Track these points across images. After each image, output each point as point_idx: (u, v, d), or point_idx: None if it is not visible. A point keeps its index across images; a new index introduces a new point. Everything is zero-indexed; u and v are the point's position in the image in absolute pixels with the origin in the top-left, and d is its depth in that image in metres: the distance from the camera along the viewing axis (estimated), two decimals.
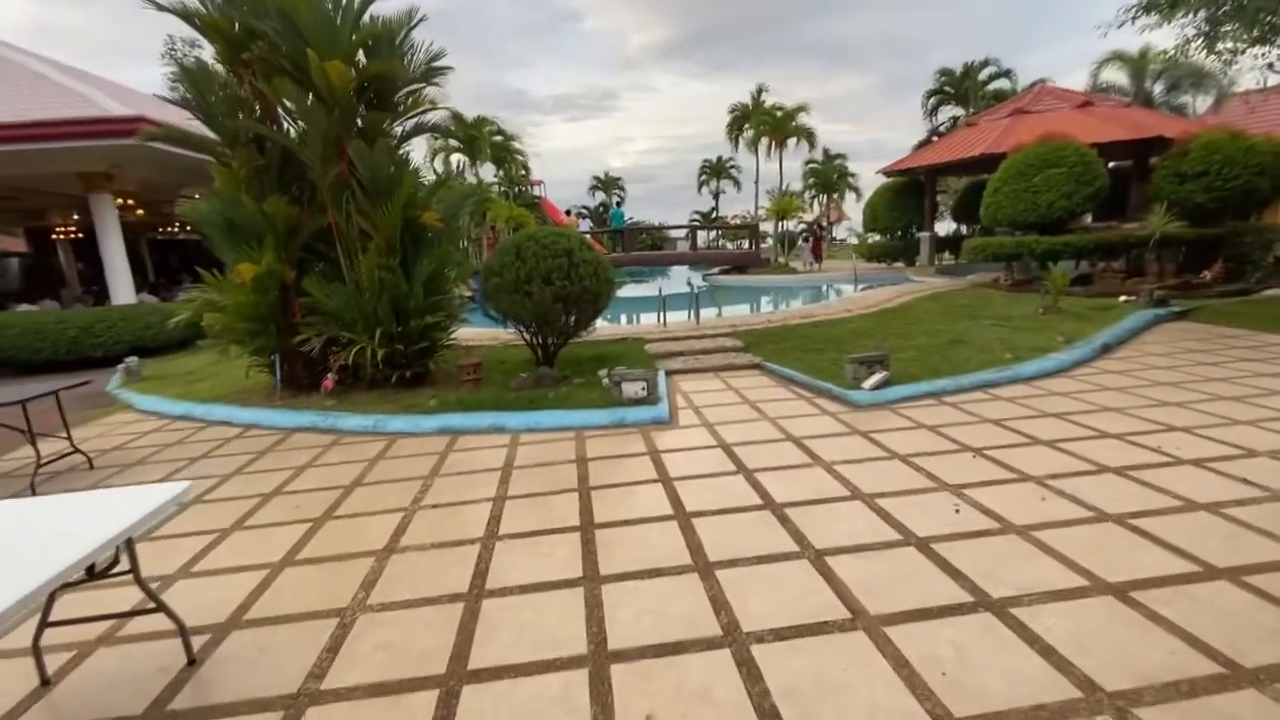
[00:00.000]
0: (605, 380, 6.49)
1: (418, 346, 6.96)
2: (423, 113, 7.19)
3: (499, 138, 21.42)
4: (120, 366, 9.67)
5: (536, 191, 37.97)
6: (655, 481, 4.39)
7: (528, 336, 7.21)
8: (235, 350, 7.32)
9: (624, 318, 16.65)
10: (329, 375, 7.14)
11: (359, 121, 6.55)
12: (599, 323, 10.08)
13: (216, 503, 4.62)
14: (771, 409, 6.11)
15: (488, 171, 27.16)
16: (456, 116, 19.84)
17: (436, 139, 20.16)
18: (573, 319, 7.00)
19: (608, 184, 46.93)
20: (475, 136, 20.23)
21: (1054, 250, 11.86)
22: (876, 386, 6.26)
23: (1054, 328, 8.76)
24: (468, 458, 5.26)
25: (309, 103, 6.17)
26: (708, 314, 14.42)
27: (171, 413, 7.58)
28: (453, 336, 7.90)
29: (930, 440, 4.98)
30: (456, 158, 21.37)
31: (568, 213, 26.88)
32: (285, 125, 6.86)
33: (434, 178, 10.17)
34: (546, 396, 6.54)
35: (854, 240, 44.64)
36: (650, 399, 6.16)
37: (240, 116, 6.59)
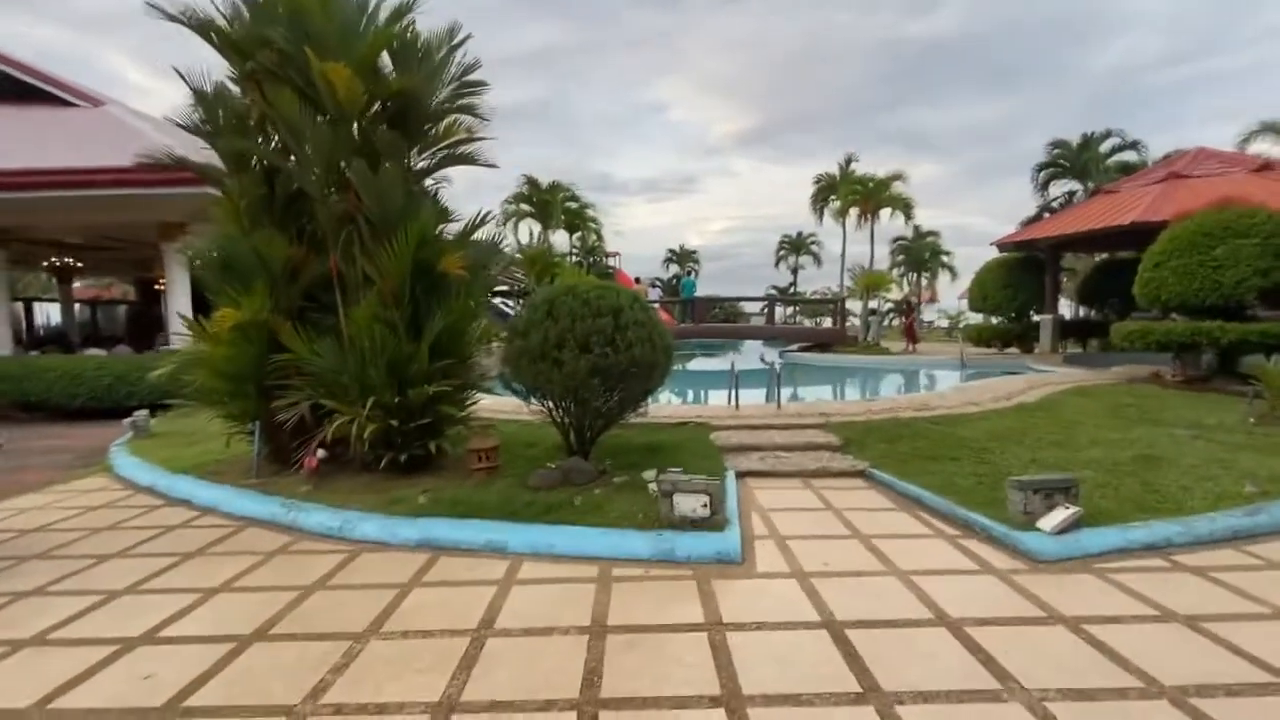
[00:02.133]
0: (652, 486, 4.66)
1: (419, 422, 5.45)
2: (456, 143, 5.99)
3: (573, 204, 20.94)
4: (128, 420, 8.78)
5: (612, 262, 37.96)
6: (713, 704, 2.48)
7: (558, 416, 5.57)
8: (209, 415, 6.07)
9: (690, 393, 14.89)
10: (316, 452, 5.71)
11: (372, 143, 5.36)
12: (657, 399, 8.36)
13: (49, 646, 3.08)
14: (898, 552, 4.07)
15: (562, 240, 27.00)
16: (530, 181, 19.57)
17: (510, 204, 19.91)
18: (616, 397, 5.32)
19: (682, 257, 46.38)
20: (548, 201, 19.77)
21: (1245, 340, 9.25)
22: (1063, 529, 4.11)
23: None
24: (438, 598, 3.54)
25: (313, 118, 5.05)
26: (790, 399, 12.43)
27: (140, 482, 6.38)
28: (473, 408, 6.38)
29: (1192, 644, 2.83)
30: (528, 224, 21.07)
31: (637, 280, 25.94)
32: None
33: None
34: (572, 503, 4.79)
35: (944, 323, 41.41)
36: (714, 521, 4.29)
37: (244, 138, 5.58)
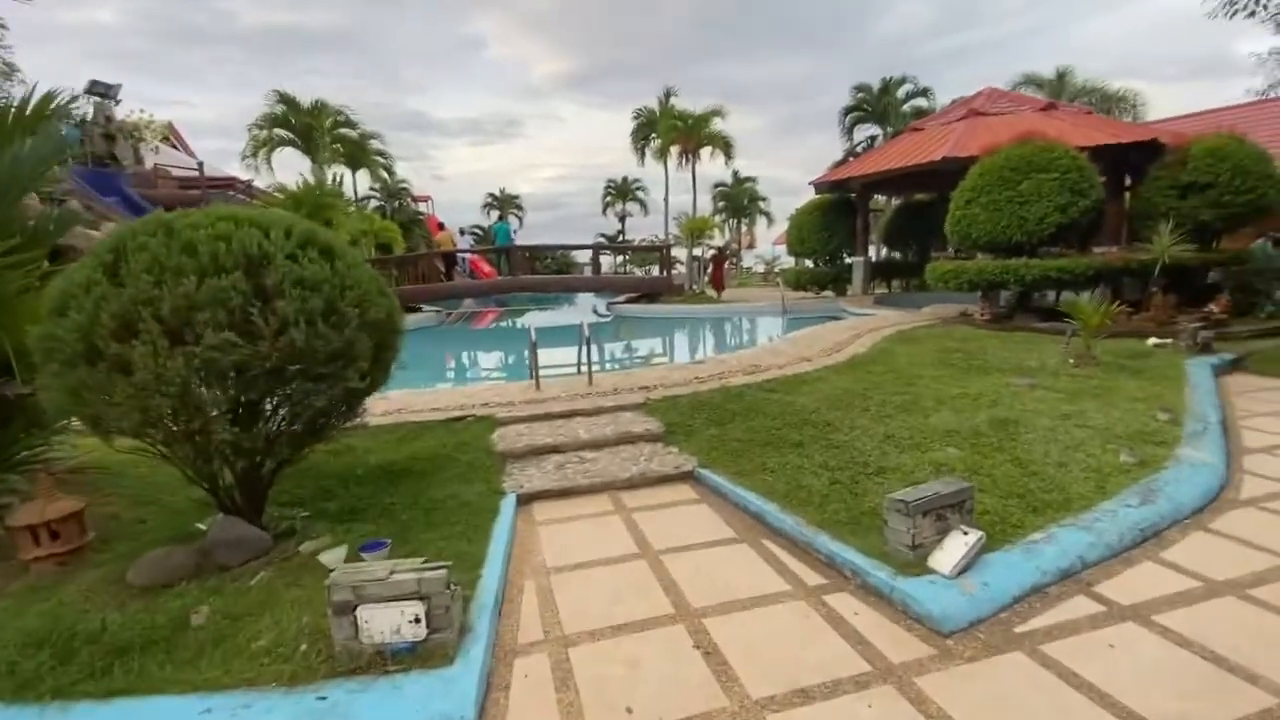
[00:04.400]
0: (330, 579, 2.57)
1: None
2: None
3: (347, 131, 16.99)
4: None
5: (422, 208, 33.39)
6: None
7: (167, 452, 3.18)
8: None
9: (510, 356, 12.73)
10: None
11: None
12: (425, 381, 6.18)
13: None
14: (747, 644, 2.50)
15: (358, 181, 22.46)
16: (286, 100, 15.33)
17: (259, 128, 15.50)
18: (284, 414, 3.11)
19: (504, 202, 42.67)
20: (312, 126, 15.75)
21: (1047, 277, 9.31)
22: (966, 566, 2.82)
23: (1117, 390, 5.88)
24: None
25: None
26: (611, 362, 10.86)
27: None
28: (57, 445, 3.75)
29: None
30: (289, 152, 16.74)
31: (441, 226, 22.66)
32: None
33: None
34: (186, 624, 2.59)
35: (761, 268, 43.01)
36: (433, 647, 2.38)
37: None
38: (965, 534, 2.94)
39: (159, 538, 3.38)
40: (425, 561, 2.51)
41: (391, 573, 2.37)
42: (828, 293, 17.51)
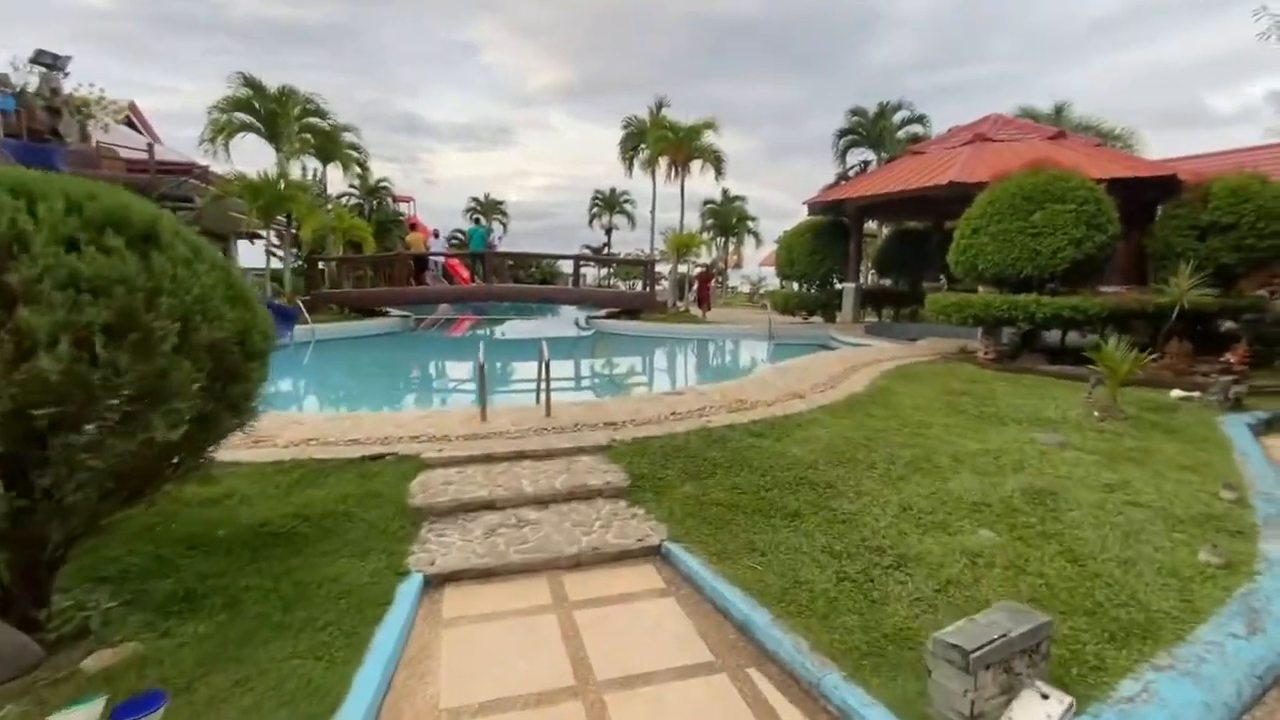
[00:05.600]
0: None
1: None
2: None
3: (316, 120, 15.90)
4: None
5: (404, 208, 32.22)
6: None
7: None
8: None
9: (453, 372, 11.64)
10: None
11: None
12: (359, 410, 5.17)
13: None
14: None
15: (340, 179, 21.34)
16: (250, 83, 14.23)
17: (220, 111, 14.37)
18: (48, 478, 2.09)
19: (488, 208, 41.57)
20: (276, 114, 14.66)
21: (1058, 315, 8.57)
22: None
23: (1157, 453, 5.07)
24: None
25: None
26: (581, 384, 9.85)
27: None
28: None
29: None
30: (255, 141, 15.58)
31: (413, 226, 21.61)
32: None
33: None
34: None
35: (747, 288, 42.41)
36: None
37: None
38: (1045, 698, 2.02)
39: None
40: None
41: None
42: (816, 318, 16.76)
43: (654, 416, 5.58)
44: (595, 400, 6.43)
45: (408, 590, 2.91)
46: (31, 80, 13.99)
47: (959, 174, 10.92)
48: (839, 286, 16.26)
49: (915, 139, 21.80)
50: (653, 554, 3.46)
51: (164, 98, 57.08)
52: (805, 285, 16.98)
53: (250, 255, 21.08)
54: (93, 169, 13.42)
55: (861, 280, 17.77)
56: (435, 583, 3.12)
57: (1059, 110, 20.90)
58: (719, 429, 5.22)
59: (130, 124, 20.16)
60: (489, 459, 4.49)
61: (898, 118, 22.78)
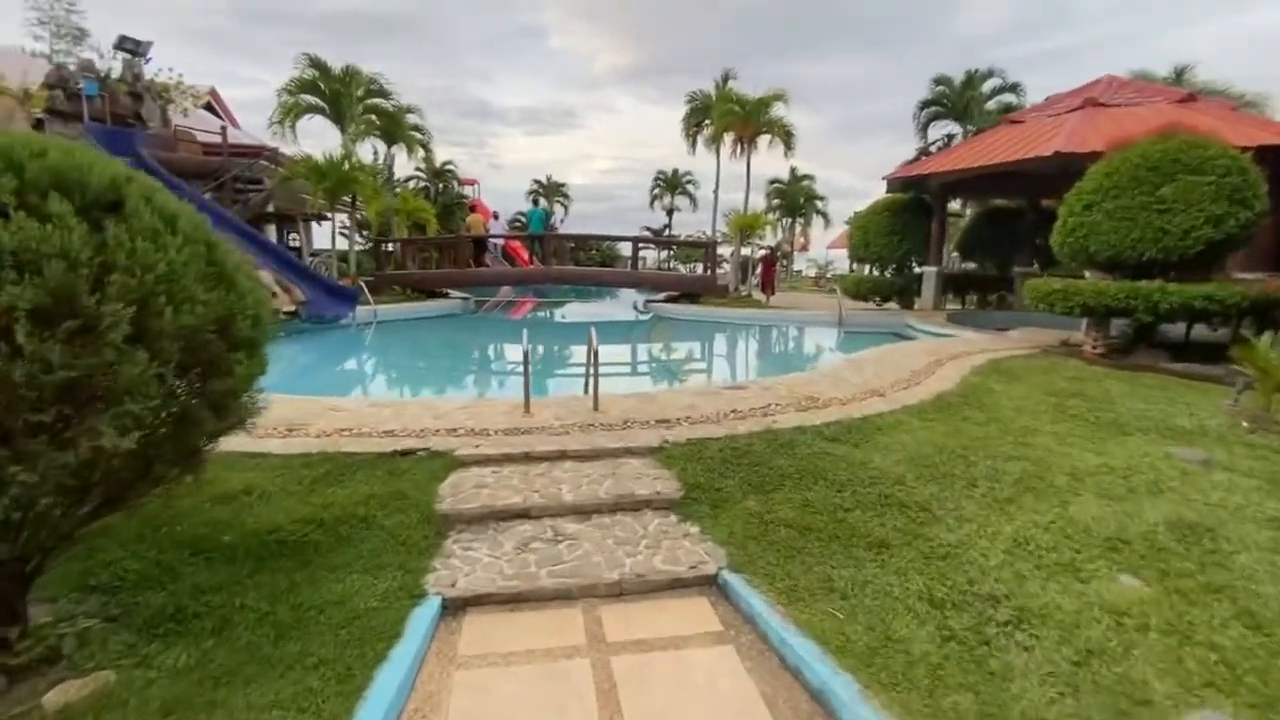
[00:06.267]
0: None
1: None
2: None
3: (379, 101, 15.92)
4: None
5: (468, 191, 32.54)
6: None
7: None
8: None
9: (509, 355, 11.32)
10: None
11: None
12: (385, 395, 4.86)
13: None
14: None
15: (404, 161, 21.51)
16: (316, 64, 14.36)
17: (288, 93, 14.60)
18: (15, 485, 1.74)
19: (550, 190, 41.51)
20: (340, 94, 14.76)
21: (1188, 306, 7.38)
22: None
23: None
24: None
25: None
26: (638, 369, 9.32)
27: None
28: None
29: None
30: (319, 121, 15.78)
31: (472, 208, 21.60)
32: None
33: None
34: None
35: (813, 272, 40.71)
36: None
37: None
38: None
39: None
40: None
41: None
42: (891, 304, 15.61)
43: (712, 414, 5.01)
44: (648, 392, 5.92)
45: (420, 619, 2.51)
46: (115, 66, 14.60)
47: (1066, 143, 9.63)
48: (918, 270, 15.05)
49: (1008, 109, 19.93)
50: (708, 584, 2.93)
51: (249, 89, 59.94)
52: (880, 268, 15.83)
53: (320, 237, 21.68)
54: (170, 151, 13.91)
55: (944, 264, 16.42)
56: (454, 607, 2.70)
57: (1179, 74, 18.57)
58: (787, 431, 4.61)
59: (211, 109, 20.98)
60: (528, 458, 4.07)
61: (987, 86, 20.86)
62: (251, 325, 2.25)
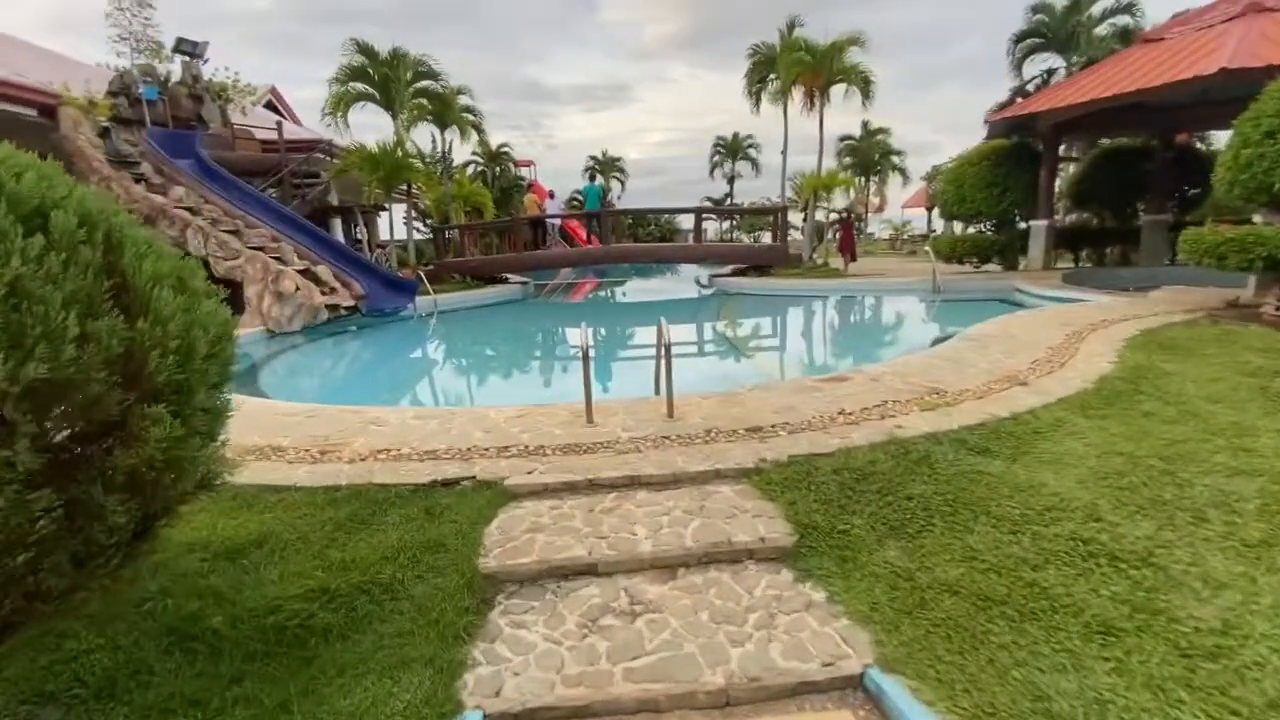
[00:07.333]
0: None
1: None
2: None
3: (429, 83, 15.40)
4: None
5: (524, 172, 32.11)
6: None
7: None
8: None
9: (569, 341, 10.56)
10: None
11: None
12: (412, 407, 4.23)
13: None
14: None
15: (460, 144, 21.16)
16: (364, 50, 13.98)
17: (338, 82, 14.30)
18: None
19: (605, 166, 40.42)
20: (389, 79, 14.34)
21: None
22: None
23: None
24: None
25: None
26: (707, 351, 8.31)
27: None
28: None
29: None
30: (371, 109, 15.47)
31: (529, 186, 21.00)
32: None
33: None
34: None
35: (888, 234, 38.02)
36: None
37: None
38: None
39: None
40: None
41: None
42: (991, 266, 13.90)
43: (814, 417, 4.08)
44: (729, 390, 5.02)
45: None
46: (174, 69, 14.71)
47: (1234, 57, 7.78)
48: (1023, 226, 13.27)
49: (1125, 34, 17.33)
50: (851, 689, 2.07)
51: (314, 89, 61.84)
52: (977, 225, 14.12)
53: (385, 228, 21.73)
54: (229, 150, 13.93)
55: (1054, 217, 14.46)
56: None
57: None
58: (917, 440, 3.62)
59: (272, 107, 21.21)
60: (592, 486, 3.29)
61: (1097, 9, 18.14)
62: (178, 363, 1.53)
